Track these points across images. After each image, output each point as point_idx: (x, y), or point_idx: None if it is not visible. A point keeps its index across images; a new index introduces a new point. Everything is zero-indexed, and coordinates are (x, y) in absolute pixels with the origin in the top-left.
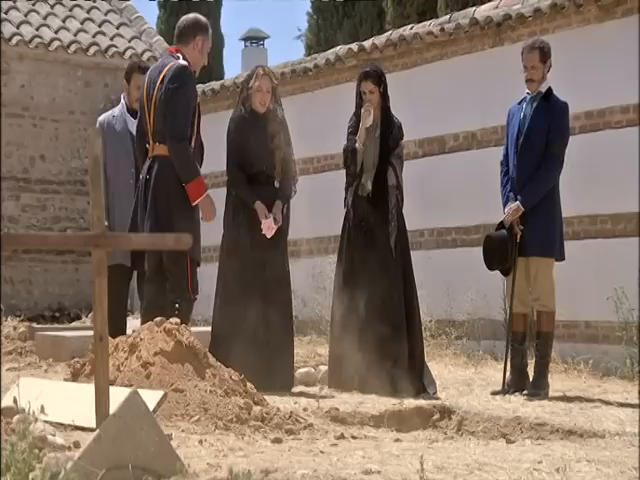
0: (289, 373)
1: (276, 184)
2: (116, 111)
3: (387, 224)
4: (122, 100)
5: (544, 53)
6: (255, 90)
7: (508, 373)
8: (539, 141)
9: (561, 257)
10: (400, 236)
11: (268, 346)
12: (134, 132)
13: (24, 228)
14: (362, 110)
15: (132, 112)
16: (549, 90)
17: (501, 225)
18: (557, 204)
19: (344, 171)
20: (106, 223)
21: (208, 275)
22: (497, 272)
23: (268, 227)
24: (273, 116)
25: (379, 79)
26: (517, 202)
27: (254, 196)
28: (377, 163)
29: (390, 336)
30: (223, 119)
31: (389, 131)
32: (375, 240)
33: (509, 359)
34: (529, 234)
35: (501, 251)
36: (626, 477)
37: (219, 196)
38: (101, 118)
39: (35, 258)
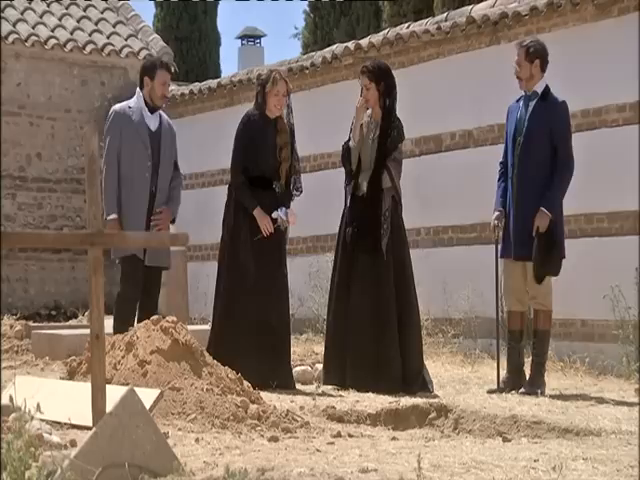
0: (288, 372)
1: (276, 188)
2: (131, 103)
3: (379, 226)
4: (138, 94)
5: (529, 52)
6: (272, 94)
7: (505, 371)
8: (539, 142)
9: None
10: (395, 237)
11: (268, 345)
12: (151, 126)
13: (20, 227)
14: (356, 106)
15: (151, 108)
16: (546, 89)
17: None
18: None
19: (341, 169)
20: (114, 216)
21: (205, 273)
22: (492, 270)
23: (291, 218)
24: (283, 125)
25: (375, 75)
26: (540, 212)
27: (254, 202)
28: (374, 164)
29: (381, 337)
30: (219, 117)
31: (388, 132)
32: (367, 241)
33: (507, 357)
34: (526, 237)
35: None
36: (622, 475)
37: (217, 195)
38: (117, 107)
39: (31, 256)
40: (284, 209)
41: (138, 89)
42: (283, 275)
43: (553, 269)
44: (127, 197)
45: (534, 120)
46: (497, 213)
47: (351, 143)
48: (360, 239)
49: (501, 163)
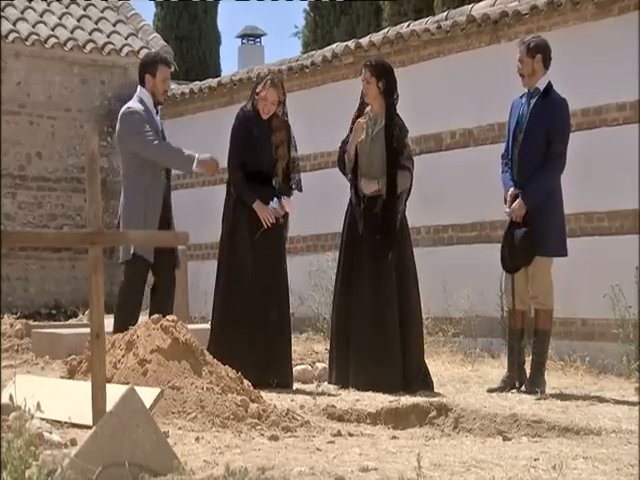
0: (288, 371)
1: (274, 184)
2: (141, 104)
3: (392, 230)
4: (143, 93)
5: (530, 48)
6: (261, 98)
7: (506, 370)
8: (539, 140)
9: (560, 254)
10: (399, 235)
11: (267, 343)
12: (160, 127)
13: (20, 226)
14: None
15: (154, 106)
16: (548, 86)
17: (511, 224)
18: (556, 202)
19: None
20: (204, 155)
21: (205, 272)
22: (492, 269)
23: (287, 206)
24: (279, 123)
25: (377, 71)
26: (519, 200)
27: (253, 196)
28: (387, 167)
29: (382, 334)
30: (219, 116)
31: (392, 132)
32: (372, 244)
33: (507, 356)
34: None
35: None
36: (622, 474)
37: (217, 193)
38: (136, 107)
39: (31, 255)
40: (276, 200)
41: (140, 87)
42: (283, 271)
43: (522, 260)
44: (145, 202)
45: (534, 117)
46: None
47: (346, 157)
48: (366, 241)
49: (503, 155)
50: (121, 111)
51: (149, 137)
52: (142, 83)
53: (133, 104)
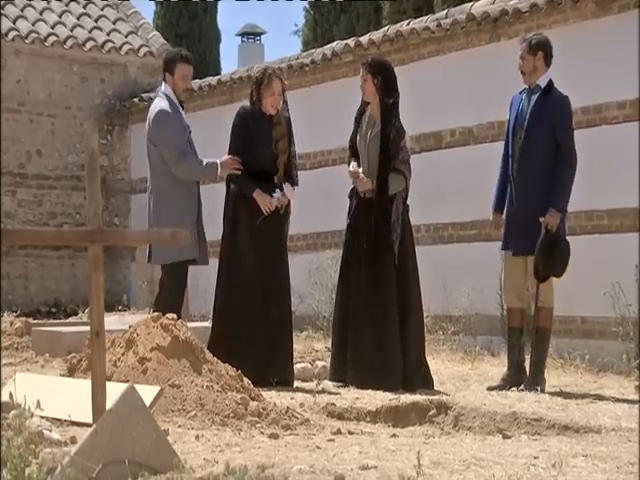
0: (289, 369)
1: (276, 181)
2: (167, 102)
3: (390, 231)
4: (167, 89)
5: (531, 46)
6: (268, 94)
7: (505, 368)
8: (540, 137)
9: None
10: (401, 232)
11: (268, 340)
12: (185, 122)
13: (20, 224)
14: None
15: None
16: (549, 83)
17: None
18: None
19: (341, 167)
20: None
21: (205, 270)
22: (492, 267)
23: (289, 193)
24: (280, 118)
25: (373, 68)
26: (551, 211)
27: (253, 185)
28: (378, 169)
29: (382, 333)
30: (219, 114)
31: (388, 134)
32: (374, 243)
33: (507, 354)
34: (526, 232)
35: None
36: (622, 472)
37: (217, 192)
38: (165, 107)
39: (31, 253)
40: (278, 190)
41: (164, 84)
42: (284, 266)
43: (557, 271)
44: (177, 202)
45: (535, 114)
46: (494, 216)
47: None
48: (369, 241)
49: (504, 156)
50: (152, 111)
51: (176, 154)
52: (165, 80)
53: (162, 103)
